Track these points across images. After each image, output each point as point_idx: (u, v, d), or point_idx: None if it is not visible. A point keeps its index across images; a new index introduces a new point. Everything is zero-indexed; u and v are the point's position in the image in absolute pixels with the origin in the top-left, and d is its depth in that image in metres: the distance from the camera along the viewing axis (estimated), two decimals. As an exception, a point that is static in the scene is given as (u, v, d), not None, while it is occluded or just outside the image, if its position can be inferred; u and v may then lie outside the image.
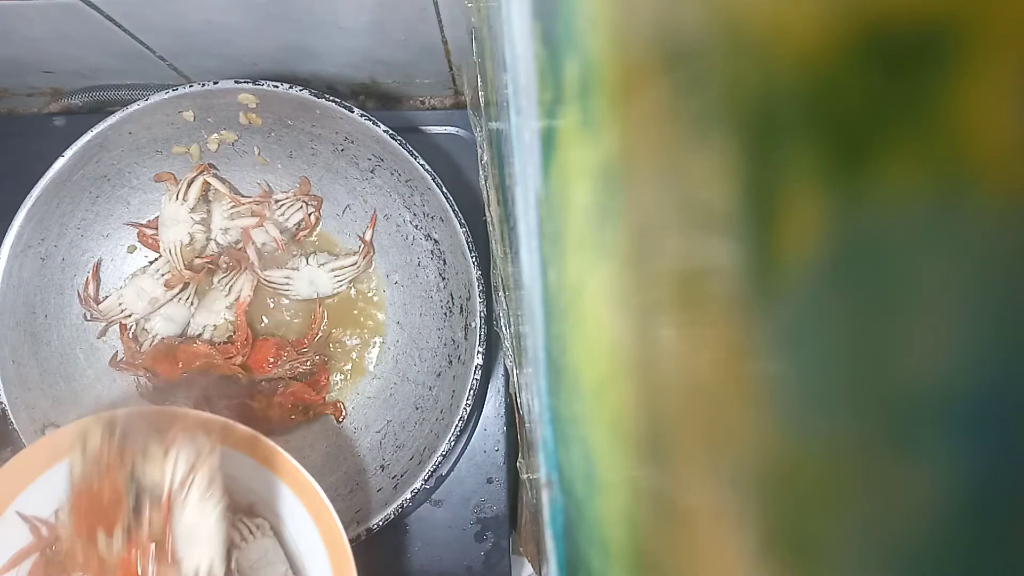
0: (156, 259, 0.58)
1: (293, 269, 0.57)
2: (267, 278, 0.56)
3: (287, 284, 0.57)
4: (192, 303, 0.58)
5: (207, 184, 0.56)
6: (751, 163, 0.13)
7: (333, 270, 0.56)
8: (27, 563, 0.44)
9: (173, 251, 0.55)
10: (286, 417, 0.57)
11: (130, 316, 0.56)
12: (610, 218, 0.21)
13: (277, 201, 0.57)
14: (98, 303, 0.56)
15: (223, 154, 0.56)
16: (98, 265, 0.57)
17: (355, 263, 0.56)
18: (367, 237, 0.57)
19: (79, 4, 0.44)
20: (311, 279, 0.56)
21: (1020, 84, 0.07)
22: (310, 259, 0.57)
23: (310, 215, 0.58)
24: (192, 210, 0.55)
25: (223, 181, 0.57)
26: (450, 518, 0.56)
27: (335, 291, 0.57)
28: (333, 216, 0.58)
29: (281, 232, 0.57)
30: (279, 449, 0.45)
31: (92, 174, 0.52)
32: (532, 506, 0.40)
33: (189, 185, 0.55)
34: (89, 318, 0.56)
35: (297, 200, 0.57)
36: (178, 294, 0.57)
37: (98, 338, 0.57)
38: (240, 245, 0.57)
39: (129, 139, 0.52)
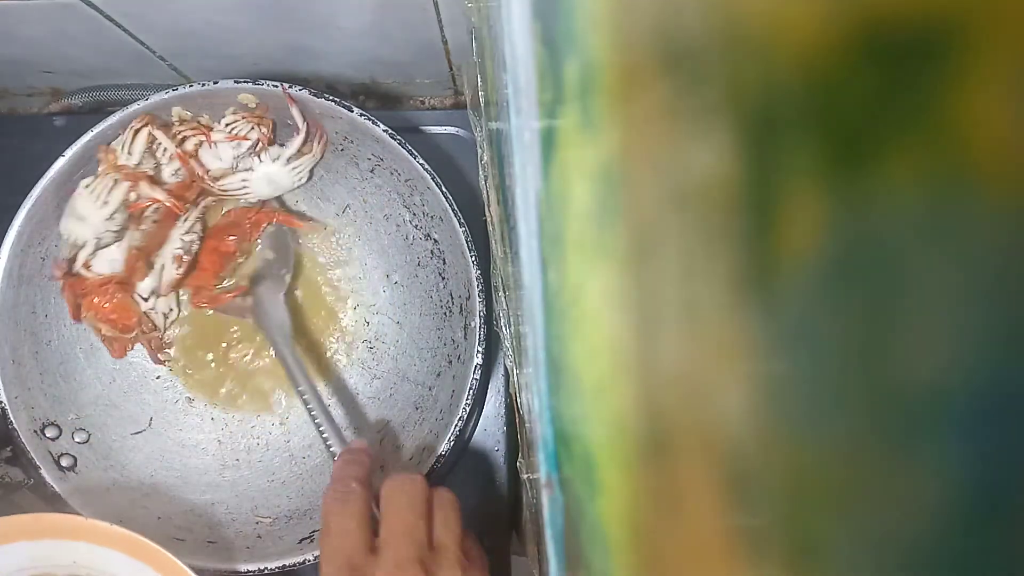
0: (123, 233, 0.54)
1: (247, 170, 0.53)
2: (222, 187, 0.54)
3: (245, 188, 0.54)
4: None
5: (152, 137, 0.52)
6: (751, 163, 0.13)
7: (289, 161, 0.53)
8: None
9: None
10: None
11: (82, 247, 0.53)
12: (610, 218, 0.21)
13: (227, 125, 0.53)
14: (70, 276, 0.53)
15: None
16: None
17: (311, 150, 0.53)
18: (296, 116, 0.52)
19: (79, 4, 0.44)
20: (269, 177, 0.54)
21: (1021, 83, 0.07)
22: (262, 156, 0.53)
23: (265, 135, 0.54)
24: (137, 165, 0.52)
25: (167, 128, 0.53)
26: (450, 518, 0.55)
27: (296, 185, 0.55)
28: (332, 216, 0.58)
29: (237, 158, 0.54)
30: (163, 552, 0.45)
31: (92, 174, 0.52)
32: (532, 506, 0.40)
33: (135, 135, 0.51)
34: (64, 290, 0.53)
35: (247, 121, 0.53)
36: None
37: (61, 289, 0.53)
38: (186, 179, 0.54)
39: (129, 139, 0.52)
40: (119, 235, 0.54)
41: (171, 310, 0.57)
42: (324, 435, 0.49)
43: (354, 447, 0.47)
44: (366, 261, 0.58)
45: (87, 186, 0.52)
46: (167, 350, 0.58)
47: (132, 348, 0.57)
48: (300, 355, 0.55)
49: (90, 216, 0.52)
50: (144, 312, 0.56)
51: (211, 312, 0.58)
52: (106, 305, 0.54)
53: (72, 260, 0.53)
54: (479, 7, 0.37)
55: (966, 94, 0.08)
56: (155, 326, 0.57)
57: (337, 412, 0.58)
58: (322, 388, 0.58)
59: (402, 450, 0.53)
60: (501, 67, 0.29)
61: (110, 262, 0.53)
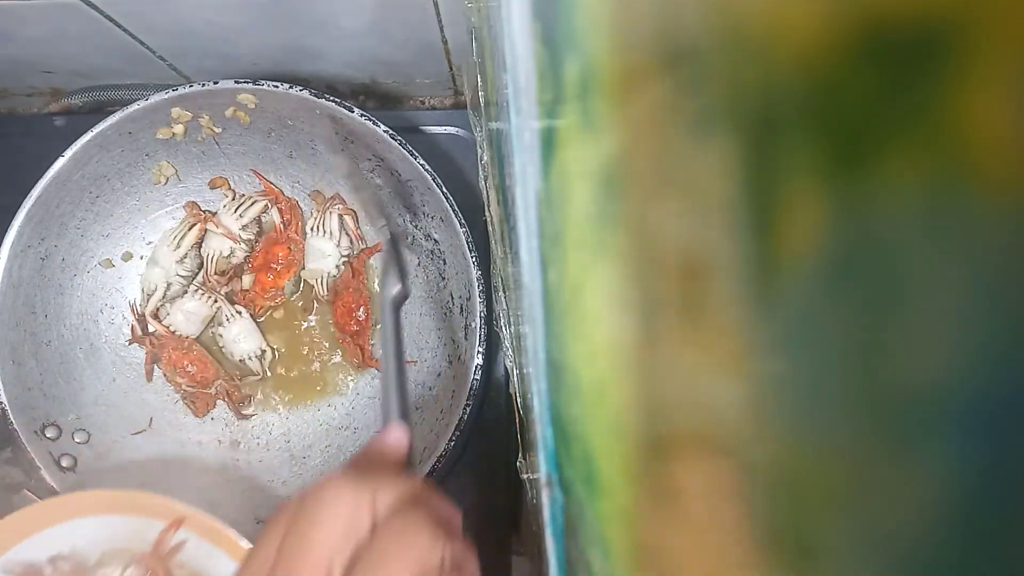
0: (192, 281, 0.59)
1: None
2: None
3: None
4: (213, 300, 0.58)
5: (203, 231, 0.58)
6: (751, 163, 0.13)
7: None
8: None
9: (211, 260, 0.57)
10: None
11: (187, 339, 0.58)
12: (610, 218, 0.21)
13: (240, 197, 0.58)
14: (146, 334, 0.57)
15: (208, 146, 0.56)
16: (133, 305, 0.58)
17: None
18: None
19: (79, 4, 0.44)
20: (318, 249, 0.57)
21: (1021, 83, 0.07)
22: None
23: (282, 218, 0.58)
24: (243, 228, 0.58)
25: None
26: (450, 518, 0.55)
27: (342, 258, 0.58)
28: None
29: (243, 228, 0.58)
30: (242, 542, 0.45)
31: (92, 174, 0.52)
32: (532, 506, 0.40)
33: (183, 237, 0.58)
34: (142, 344, 0.57)
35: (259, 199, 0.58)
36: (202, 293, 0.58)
37: (128, 344, 0.58)
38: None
39: (129, 139, 0.52)
40: (187, 282, 0.58)
41: (263, 351, 0.58)
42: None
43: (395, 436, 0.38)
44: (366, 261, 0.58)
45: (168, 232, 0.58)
46: (248, 408, 0.58)
47: (214, 407, 0.58)
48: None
49: (163, 259, 0.57)
50: (240, 359, 0.57)
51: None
52: (186, 363, 0.56)
53: (143, 316, 0.57)
54: (479, 7, 0.37)
55: (966, 94, 0.08)
56: (236, 381, 0.58)
57: (338, 413, 0.58)
58: (322, 390, 0.58)
59: (402, 450, 0.53)
60: (501, 67, 0.29)
61: (186, 315, 0.56)
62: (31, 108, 0.64)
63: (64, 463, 0.51)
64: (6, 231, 0.49)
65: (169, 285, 0.57)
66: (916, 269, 0.09)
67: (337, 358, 0.59)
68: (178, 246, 0.57)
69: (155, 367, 0.58)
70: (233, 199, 0.58)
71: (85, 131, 0.49)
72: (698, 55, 0.14)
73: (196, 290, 0.58)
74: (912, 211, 0.09)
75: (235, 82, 0.49)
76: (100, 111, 0.60)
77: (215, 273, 0.57)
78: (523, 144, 0.26)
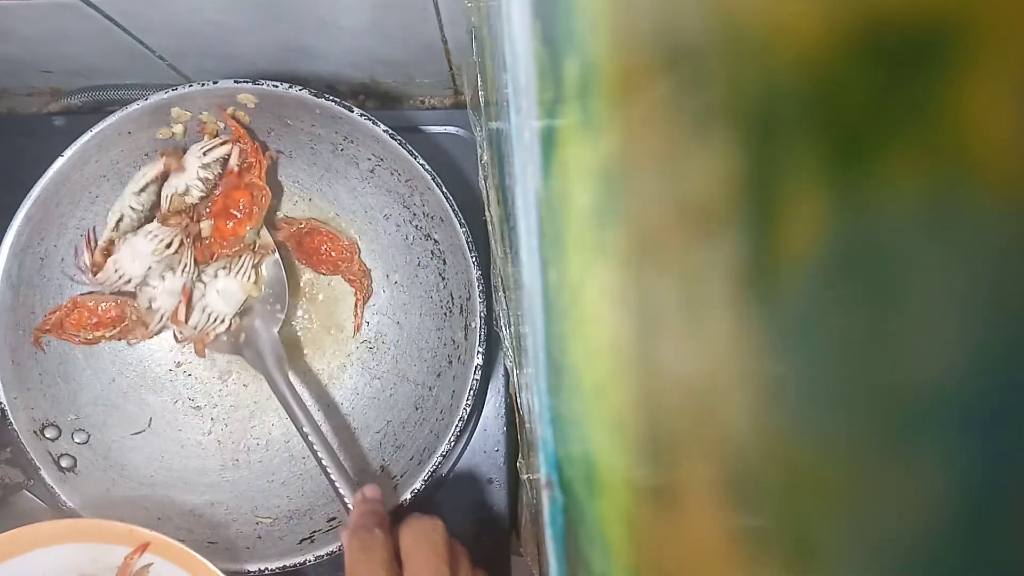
0: (143, 217, 0.56)
1: (201, 297, 0.55)
2: (192, 325, 0.55)
3: (209, 315, 0.55)
4: (188, 271, 0.55)
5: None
6: (751, 162, 0.13)
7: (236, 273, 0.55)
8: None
9: (167, 198, 0.54)
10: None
11: (129, 282, 0.54)
12: (610, 218, 0.21)
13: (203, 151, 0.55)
14: (94, 274, 0.54)
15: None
16: (91, 232, 0.55)
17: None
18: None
19: (78, 4, 0.44)
20: (223, 293, 0.55)
21: (1021, 83, 0.07)
22: (204, 277, 0.55)
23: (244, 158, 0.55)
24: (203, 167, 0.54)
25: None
26: (450, 519, 0.55)
27: (249, 291, 0.56)
28: (333, 216, 0.58)
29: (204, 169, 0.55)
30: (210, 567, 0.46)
31: (92, 174, 0.52)
32: (532, 506, 0.40)
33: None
34: (86, 292, 0.55)
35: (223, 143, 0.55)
36: (172, 258, 0.55)
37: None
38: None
39: (129, 139, 0.52)
40: (139, 216, 0.54)
41: (225, 319, 0.56)
42: (333, 480, 0.48)
43: (369, 495, 0.47)
44: (366, 261, 0.58)
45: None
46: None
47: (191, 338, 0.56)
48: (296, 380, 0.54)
49: (126, 191, 0.54)
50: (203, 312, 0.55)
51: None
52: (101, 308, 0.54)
53: (100, 248, 0.54)
54: (479, 7, 0.37)
55: (966, 94, 0.08)
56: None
57: (337, 413, 0.58)
58: (322, 390, 0.58)
59: (402, 450, 0.53)
60: (501, 67, 0.29)
61: (134, 254, 0.54)
62: (30, 108, 0.64)
63: (64, 463, 0.51)
64: (5, 231, 0.49)
65: (122, 216, 0.54)
66: (916, 268, 0.09)
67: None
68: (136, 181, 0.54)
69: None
70: (208, 140, 0.55)
71: (85, 131, 0.49)
72: (698, 54, 0.14)
73: (149, 232, 0.54)
74: (912, 210, 0.09)
75: (235, 82, 0.49)
76: (100, 111, 0.60)
77: (170, 211, 0.54)
78: (523, 144, 0.26)
